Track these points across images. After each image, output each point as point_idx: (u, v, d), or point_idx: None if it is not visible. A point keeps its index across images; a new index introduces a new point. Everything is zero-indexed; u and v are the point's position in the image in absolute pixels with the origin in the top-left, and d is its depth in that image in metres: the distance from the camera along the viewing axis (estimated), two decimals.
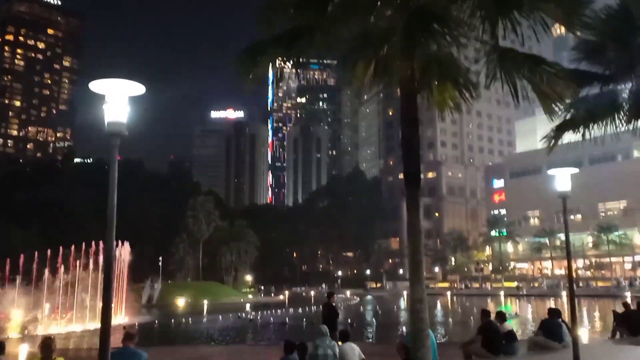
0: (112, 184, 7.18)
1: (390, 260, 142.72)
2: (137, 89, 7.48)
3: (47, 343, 8.73)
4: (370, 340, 30.86)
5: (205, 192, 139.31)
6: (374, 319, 45.20)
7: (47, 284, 42.21)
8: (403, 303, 67.08)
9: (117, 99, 7.35)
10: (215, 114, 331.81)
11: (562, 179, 11.72)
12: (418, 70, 9.54)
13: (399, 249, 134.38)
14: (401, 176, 10.31)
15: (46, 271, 42.51)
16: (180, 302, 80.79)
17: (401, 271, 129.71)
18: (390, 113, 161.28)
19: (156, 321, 48.17)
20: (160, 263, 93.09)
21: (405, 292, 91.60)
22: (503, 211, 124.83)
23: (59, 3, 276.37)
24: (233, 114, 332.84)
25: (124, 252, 51.10)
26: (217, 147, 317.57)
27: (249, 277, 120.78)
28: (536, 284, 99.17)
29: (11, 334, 33.66)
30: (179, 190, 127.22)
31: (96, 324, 42.12)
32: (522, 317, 43.92)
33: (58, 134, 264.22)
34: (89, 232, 64.94)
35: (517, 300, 71.71)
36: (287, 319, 47.71)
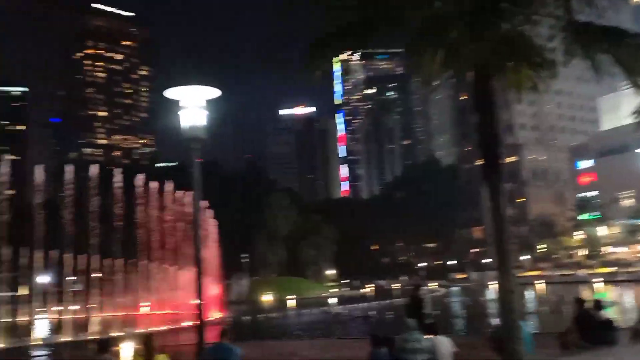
0: (196, 186, 7.48)
1: (473, 250, 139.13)
2: (213, 92, 7.67)
3: (147, 340, 9.28)
4: (458, 332, 30.26)
5: (281, 188, 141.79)
6: (461, 311, 44.32)
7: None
8: (490, 294, 65.28)
9: (193, 104, 7.58)
10: (285, 112, 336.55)
11: None
12: (490, 52, 9.22)
13: (483, 238, 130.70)
14: (479, 162, 10.02)
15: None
16: (266, 297, 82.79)
17: (486, 261, 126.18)
18: (463, 98, 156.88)
19: (245, 317, 49.59)
20: (244, 260, 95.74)
21: (491, 283, 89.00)
22: (591, 193, 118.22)
23: (133, 14, 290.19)
24: (302, 110, 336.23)
25: (211, 251, 53.12)
26: (288, 144, 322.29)
27: (330, 272, 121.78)
28: (634, 269, 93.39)
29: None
30: (255, 188, 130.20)
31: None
32: (620, 304, 41.56)
33: (141, 140, 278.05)
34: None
35: (614, 287, 67.85)
36: (372, 312, 47.71)
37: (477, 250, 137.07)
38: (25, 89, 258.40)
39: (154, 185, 51.33)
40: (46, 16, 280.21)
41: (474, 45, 8.39)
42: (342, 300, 66.04)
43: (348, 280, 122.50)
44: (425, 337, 10.95)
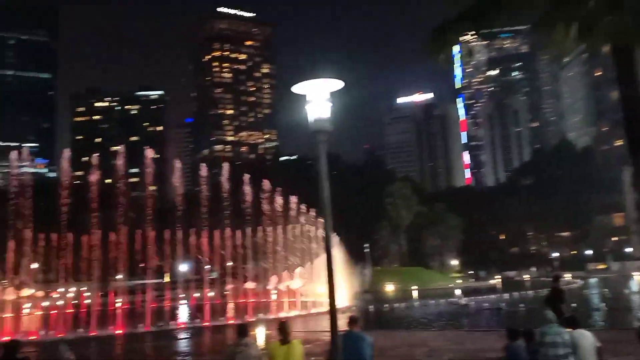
0: (322, 178, 7.60)
1: (614, 238, 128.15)
2: (336, 84, 7.77)
3: (283, 326, 9.69)
4: (599, 326, 28.14)
5: (401, 178, 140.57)
6: (601, 304, 41.24)
7: None
8: (634, 285, 59.88)
9: (318, 97, 7.73)
10: (402, 100, 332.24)
11: None
12: (630, 22, 8.37)
13: (624, 225, 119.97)
14: (619, 143, 9.14)
15: None
16: (389, 287, 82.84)
17: (629, 249, 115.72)
18: (599, 74, 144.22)
19: (370, 306, 50.04)
20: (366, 250, 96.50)
21: (635, 273, 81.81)
22: None
23: (254, 14, 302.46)
24: (420, 97, 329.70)
25: (334, 241, 54.27)
26: (407, 132, 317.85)
27: (454, 262, 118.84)
28: None
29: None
30: (375, 178, 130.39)
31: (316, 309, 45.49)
32: None
33: (265, 136, 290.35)
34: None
35: None
36: (502, 304, 46.04)
37: (618, 238, 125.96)
38: (162, 92, 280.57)
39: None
40: (175, 24, 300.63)
41: (613, 16, 7.69)
42: (468, 292, 64.16)
43: (473, 271, 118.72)
44: (566, 330, 10.27)
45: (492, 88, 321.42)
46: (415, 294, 72.12)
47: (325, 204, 7.47)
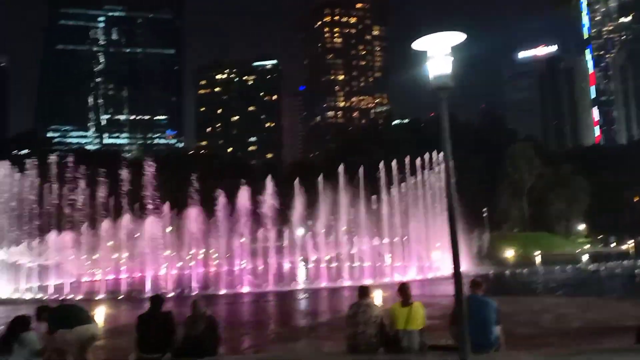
0: (444, 137, 7.35)
1: None
2: (457, 37, 7.43)
3: (404, 288, 9.74)
4: None
5: (522, 138, 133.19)
6: None
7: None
8: None
9: (439, 52, 7.44)
10: (523, 54, 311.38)
11: None
12: None
13: None
14: None
15: None
16: (509, 253, 79.98)
17: None
18: None
19: (490, 272, 48.76)
20: (484, 215, 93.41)
21: None
22: None
23: None
24: (544, 50, 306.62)
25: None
26: (529, 89, 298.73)
27: (581, 227, 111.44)
28: None
29: None
30: (494, 139, 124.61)
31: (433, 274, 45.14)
32: None
33: (376, 100, 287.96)
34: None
35: None
36: (636, 270, 42.73)
37: None
38: (276, 62, 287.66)
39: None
40: None
41: None
42: (597, 258, 60.07)
43: (602, 237, 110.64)
44: None
45: (625, 37, 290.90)
46: (538, 259, 68.99)
47: (448, 164, 7.23)
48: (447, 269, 46.65)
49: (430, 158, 55.41)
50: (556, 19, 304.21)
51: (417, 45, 7.46)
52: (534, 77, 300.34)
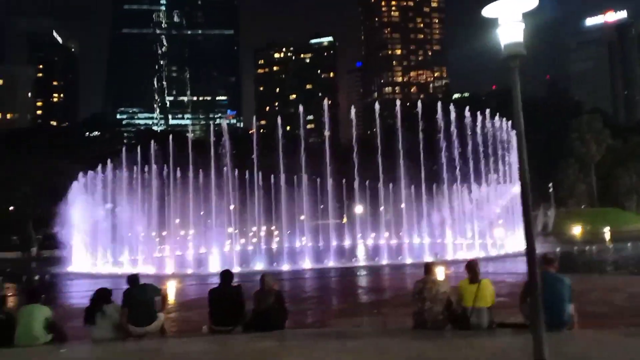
0: (516, 108, 7.14)
1: None
2: (529, 3, 7.20)
3: (472, 265, 9.60)
4: None
5: (589, 110, 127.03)
6: None
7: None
8: None
9: (511, 18, 7.22)
10: (590, 21, 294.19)
11: None
12: None
13: None
14: None
15: None
16: (576, 229, 77.17)
17: None
18: None
19: (557, 249, 47.26)
20: (550, 190, 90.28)
21: None
22: None
23: None
24: (613, 16, 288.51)
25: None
26: (597, 58, 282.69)
27: None
28: None
29: None
30: (559, 111, 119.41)
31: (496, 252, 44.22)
32: None
33: (435, 74, 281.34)
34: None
35: None
36: None
37: None
38: (331, 39, 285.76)
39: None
40: None
41: None
42: None
43: None
44: None
45: None
46: (607, 236, 66.22)
47: (522, 138, 7.00)
48: (511, 247, 45.54)
49: (493, 131, 53.76)
50: None
51: (488, 11, 7.22)
52: (602, 45, 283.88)
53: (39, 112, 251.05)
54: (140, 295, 10.82)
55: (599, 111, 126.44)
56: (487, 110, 53.19)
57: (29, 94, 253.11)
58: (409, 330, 10.31)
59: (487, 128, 52.60)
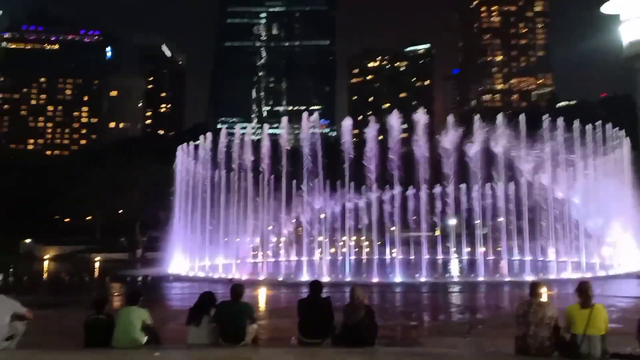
0: None
1: None
2: None
3: (584, 287, 8.72)
4: None
5: None
6: None
7: None
8: None
9: (635, 14, 6.33)
10: None
11: None
12: None
13: None
14: None
15: None
16: None
17: None
18: None
19: None
20: None
21: None
22: None
23: None
24: None
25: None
26: None
27: None
28: None
29: None
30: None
31: None
32: None
33: (539, 81, 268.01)
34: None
35: None
36: None
37: None
38: (428, 46, 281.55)
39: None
40: None
41: None
42: None
43: None
44: None
45: None
46: None
47: None
48: (621, 267, 41.85)
49: (604, 139, 49.88)
50: None
51: (608, 7, 6.39)
52: None
53: (148, 121, 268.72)
54: (233, 314, 10.68)
55: None
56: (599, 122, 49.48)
57: (140, 105, 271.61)
58: (511, 356, 9.52)
59: (598, 139, 48.91)
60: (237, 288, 11.09)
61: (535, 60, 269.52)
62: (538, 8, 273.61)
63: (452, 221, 72.05)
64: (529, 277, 34.71)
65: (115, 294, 27.64)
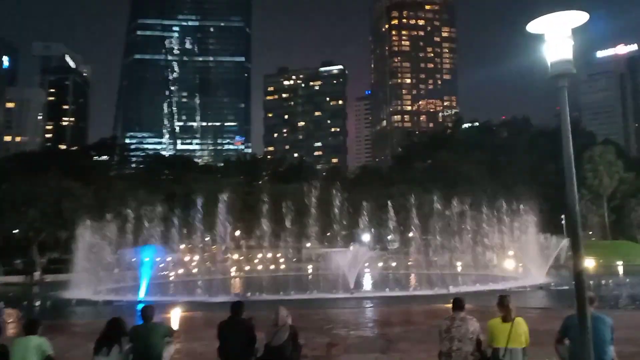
0: (565, 131, 6.53)
1: None
2: (579, 17, 6.63)
3: (505, 301, 8.82)
4: None
5: (602, 141, 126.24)
6: None
7: None
8: None
9: (559, 34, 6.65)
10: (601, 54, 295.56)
11: None
12: None
13: None
14: None
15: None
16: (590, 263, 75.58)
17: None
18: None
19: (573, 282, 45.89)
20: (562, 222, 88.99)
21: None
22: None
23: None
24: (624, 49, 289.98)
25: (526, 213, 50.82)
26: (607, 90, 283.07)
27: None
28: None
29: None
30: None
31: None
32: None
33: (445, 103, 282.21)
34: (482, 191, 67.07)
35: None
36: None
37: None
38: (341, 67, 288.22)
39: None
40: None
41: None
42: None
43: None
44: None
45: None
46: (620, 270, 64.78)
47: (570, 163, 6.33)
48: (523, 279, 44.33)
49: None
50: (637, 17, 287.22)
51: (533, 27, 6.63)
52: (613, 77, 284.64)
53: (48, 135, 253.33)
54: (148, 337, 9.93)
55: (611, 142, 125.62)
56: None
57: (39, 117, 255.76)
58: None
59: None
60: (146, 310, 10.35)
61: (442, 83, 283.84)
62: (445, 34, 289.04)
63: (365, 236, 73.37)
64: (441, 291, 35.81)
65: (10, 320, 25.19)
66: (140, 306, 10.60)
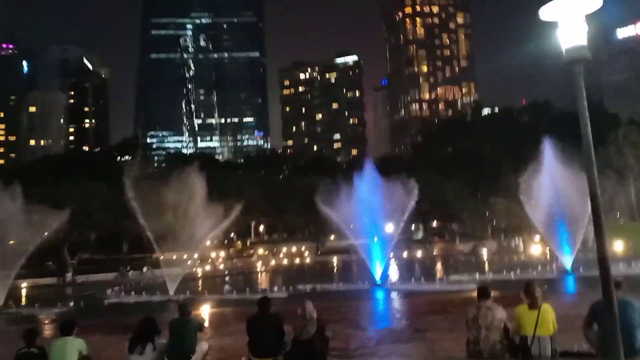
0: (583, 117, 6.54)
1: None
2: (593, 3, 6.61)
3: (531, 288, 8.86)
4: None
5: (627, 122, 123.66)
6: None
7: None
8: None
9: (573, 19, 6.64)
10: (622, 33, 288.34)
11: None
12: None
13: None
14: None
15: None
16: (618, 246, 74.39)
17: None
18: None
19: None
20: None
21: None
22: None
23: None
24: None
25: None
26: (630, 70, 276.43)
27: None
28: None
29: None
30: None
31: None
32: None
33: (463, 90, 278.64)
34: (506, 174, 66.57)
35: None
36: None
37: None
38: (356, 57, 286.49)
39: None
40: None
41: None
42: None
43: None
44: None
45: None
46: None
47: (587, 149, 6.36)
48: (550, 265, 43.85)
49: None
50: None
51: (546, 13, 6.64)
52: (635, 56, 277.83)
53: (71, 137, 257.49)
54: (182, 331, 10.29)
55: (635, 123, 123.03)
56: None
57: (62, 120, 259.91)
58: None
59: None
60: (186, 305, 10.93)
61: (459, 70, 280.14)
62: (460, 20, 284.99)
63: (389, 227, 73.18)
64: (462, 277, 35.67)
65: (46, 322, 25.91)
66: (180, 302, 11.06)
